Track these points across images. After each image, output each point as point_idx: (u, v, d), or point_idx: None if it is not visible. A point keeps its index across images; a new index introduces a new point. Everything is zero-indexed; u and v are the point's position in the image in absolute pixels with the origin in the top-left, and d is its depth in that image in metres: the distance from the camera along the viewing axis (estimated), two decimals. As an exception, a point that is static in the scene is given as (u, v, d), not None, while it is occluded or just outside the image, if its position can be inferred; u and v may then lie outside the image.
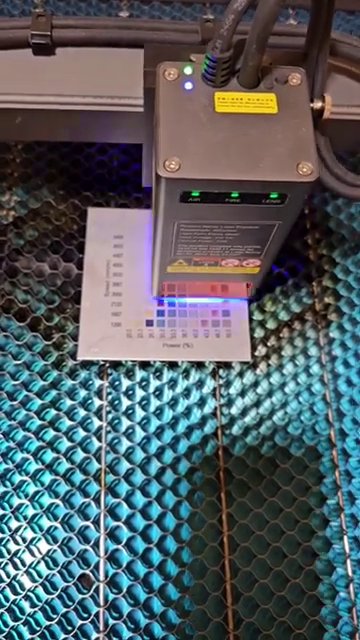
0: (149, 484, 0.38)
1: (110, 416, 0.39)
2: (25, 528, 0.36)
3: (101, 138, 0.38)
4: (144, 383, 0.40)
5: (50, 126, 0.36)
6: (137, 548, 0.36)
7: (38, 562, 0.36)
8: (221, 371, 0.41)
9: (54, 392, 0.39)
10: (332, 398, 0.41)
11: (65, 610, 0.35)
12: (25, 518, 0.36)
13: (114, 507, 0.37)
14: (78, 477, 0.37)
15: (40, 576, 0.35)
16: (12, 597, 0.35)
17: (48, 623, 0.34)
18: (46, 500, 0.37)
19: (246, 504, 0.37)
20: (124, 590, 0.35)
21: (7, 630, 0.34)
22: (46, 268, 0.43)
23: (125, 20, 0.35)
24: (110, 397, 0.40)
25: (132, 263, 0.43)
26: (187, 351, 0.40)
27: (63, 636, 0.34)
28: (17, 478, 0.37)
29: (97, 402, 0.39)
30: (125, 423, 0.39)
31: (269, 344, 0.42)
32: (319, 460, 0.39)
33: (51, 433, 0.38)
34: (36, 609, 0.35)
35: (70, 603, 0.35)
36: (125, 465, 0.38)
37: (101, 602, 0.35)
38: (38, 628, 0.34)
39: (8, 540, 0.36)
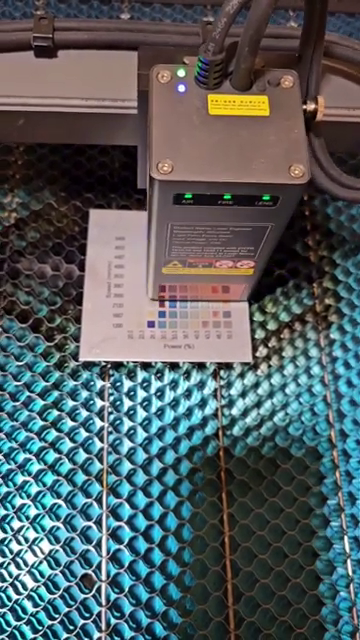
0: (151, 484, 0.38)
1: (112, 417, 0.39)
2: (27, 528, 0.36)
3: (102, 140, 0.38)
4: (145, 384, 0.40)
5: (52, 128, 0.37)
6: (139, 548, 0.36)
7: (40, 562, 0.36)
8: (222, 372, 0.41)
9: (56, 393, 0.40)
10: (333, 399, 0.41)
11: (67, 610, 0.35)
12: (27, 518, 0.37)
13: (116, 507, 0.37)
14: (80, 477, 0.38)
15: (42, 576, 0.36)
16: (15, 597, 0.35)
17: (50, 623, 0.34)
18: (48, 500, 0.37)
19: (247, 504, 0.38)
20: (126, 590, 0.35)
21: (10, 630, 0.34)
22: (48, 269, 0.43)
23: (127, 22, 0.35)
24: (112, 398, 0.40)
25: (133, 264, 0.43)
26: (188, 352, 0.41)
27: (65, 636, 0.34)
28: (19, 478, 0.37)
29: (99, 403, 0.40)
30: (127, 424, 0.39)
31: (270, 345, 0.42)
32: (320, 461, 0.39)
33: (53, 434, 0.39)
34: (38, 609, 0.35)
35: (72, 603, 0.35)
36: (127, 466, 0.38)
37: (103, 602, 0.35)
38: (40, 628, 0.34)
39: (11, 540, 0.36)
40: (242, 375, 0.41)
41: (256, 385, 0.41)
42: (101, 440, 0.39)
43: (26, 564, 0.36)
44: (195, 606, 0.35)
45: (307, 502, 0.38)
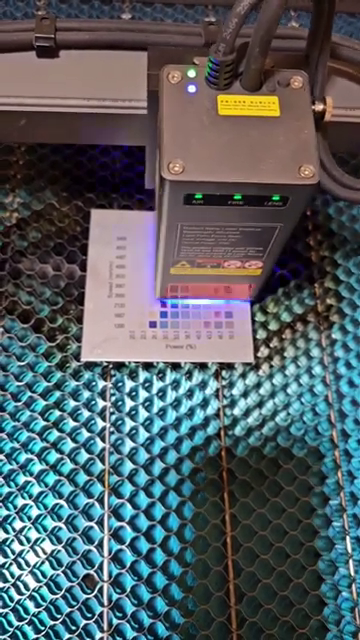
0: (152, 485, 0.38)
1: (114, 417, 0.39)
2: (29, 528, 0.36)
3: (105, 140, 0.38)
4: (147, 384, 0.40)
5: (54, 128, 0.37)
6: (141, 548, 0.36)
7: (42, 562, 0.36)
8: (224, 372, 0.41)
9: (58, 393, 0.40)
10: (334, 399, 0.41)
11: (69, 610, 0.35)
12: (29, 518, 0.37)
13: (118, 507, 0.37)
14: (82, 478, 0.38)
15: (44, 576, 0.36)
16: (17, 597, 0.35)
17: (52, 623, 0.34)
18: (50, 501, 0.37)
19: (249, 504, 0.38)
20: (128, 590, 0.35)
21: (12, 630, 0.34)
22: (49, 270, 0.43)
23: (129, 22, 0.35)
24: (114, 398, 0.40)
25: (135, 265, 0.43)
26: (190, 352, 0.41)
27: (67, 636, 0.34)
28: (21, 479, 0.37)
29: (101, 403, 0.40)
30: (129, 424, 0.39)
31: (271, 345, 0.42)
32: (321, 461, 0.39)
33: (55, 434, 0.39)
34: (40, 609, 0.35)
35: (74, 603, 0.35)
36: (129, 466, 0.38)
37: (105, 602, 0.35)
38: (42, 628, 0.34)
39: (13, 540, 0.36)
40: (244, 375, 0.41)
41: (258, 385, 0.41)
42: (103, 440, 0.39)
43: (28, 564, 0.36)
44: (197, 606, 0.35)
45: (309, 502, 0.38)
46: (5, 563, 0.36)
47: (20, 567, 0.36)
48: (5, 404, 0.39)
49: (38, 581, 0.35)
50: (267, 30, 0.25)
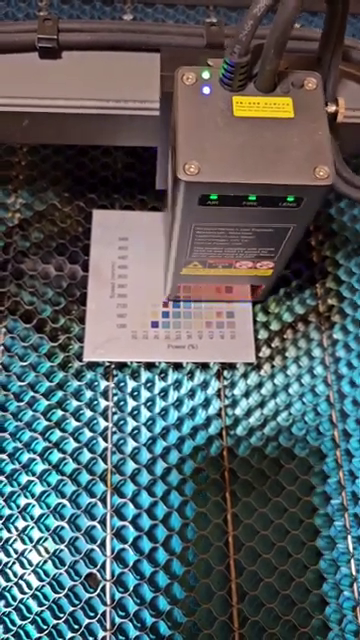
0: (155, 484, 0.38)
1: (116, 417, 0.39)
2: (32, 528, 0.37)
3: (107, 141, 0.38)
4: (149, 384, 0.40)
5: (56, 129, 0.37)
6: (143, 548, 0.36)
7: (45, 561, 0.36)
8: (225, 372, 0.41)
9: (60, 393, 0.40)
10: (336, 399, 0.41)
11: (72, 609, 0.35)
12: (32, 518, 0.37)
13: (120, 507, 0.37)
14: (84, 477, 0.38)
15: (47, 575, 0.36)
16: (19, 596, 0.35)
17: (55, 622, 0.35)
18: (53, 500, 0.37)
19: (251, 504, 0.38)
20: (130, 589, 0.35)
21: (15, 629, 0.34)
22: (52, 270, 0.43)
23: (130, 24, 0.35)
24: (116, 398, 0.40)
25: (137, 265, 0.43)
26: (192, 352, 0.41)
27: (70, 635, 0.34)
28: (24, 478, 0.37)
29: (103, 403, 0.40)
30: (131, 424, 0.39)
31: (273, 345, 0.42)
32: (323, 460, 0.39)
33: (57, 434, 0.39)
34: (43, 608, 0.35)
35: (77, 602, 0.35)
36: (131, 465, 0.38)
37: (108, 601, 0.35)
38: (45, 627, 0.35)
39: (15, 539, 0.36)
40: (245, 375, 0.41)
41: (259, 385, 0.41)
42: (105, 440, 0.39)
43: (31, 563, 0.36)
44: (199, 605, 0.35)
45: (311, 502, 0.38)
46: (8, 562, 0.36)
47: (23, 566, 0.36)
48: (7, 404, 0.39)
49: (41, 580, 0.36)
50: (283, 32, 0.25)
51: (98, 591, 0.35)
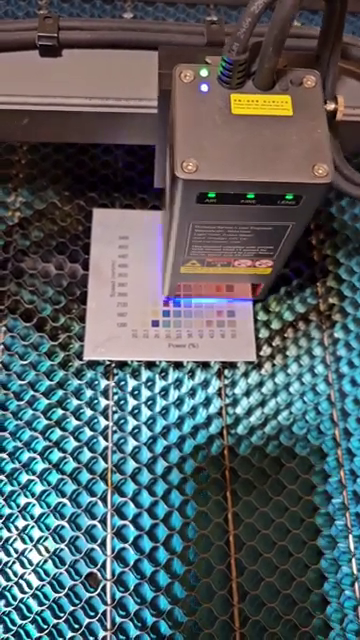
0: (155, 483, 0.38)
1: (116, 416, 0.39)
2: (32, 527, 0.36)
3: (107, 139, 0.38)
4: (150, 383, 0.40)
5: (57, 127, 0.37)
6: (144, 547, 0.36)
7: (45, 561, 0.36)
8: (226, 371, 0.41)
9: (60, 392, 0.40)
10: (337, 398, 0.41)
11: (72, 608, 0.35)
12: (32, 517, 0.37)
13: (120, 506, 0.37)
14: (85, 476, 0.38)
15: (47, 575, 0.36)
16: (20, 596, 0.35)
17: (56, 621, 0.35)
18: (53, 499, 0.37)
19: (252, 503, 0.38)
20: (131, 588, 0.35)
21: (15, 629, 0.34)
22: (52, 269, 0.43)
23: (131, 22, 0.35)
24: (116, 397, 0.40)
25: (137, 263, 0.43)
26: (192, 351, 0.41)
27: (70, 634, 0.34)
28: (24, 477, 0.37)
29: (103, 402, 0.40)
30: (131, 423, 0.39)
31: (274, 344, 0.42)
32: (324, 459, 0.39)
33: (58, 433, 0.39)
34: (44, 607, 0.35)
35: (77, 601, 0.35)
36: (131, 464, 0.38)
37: (108, 600, 0.35)
38: (46, 626, 0.34)
39: (15, 539, 0.36)
40: (246, 374, 0.41)
41: (260, 384, 0.41)
42: (106, 439, 0.39)
43: (31, 563, 0.36)
44: (200, 605, 0.35)
45: (312, 501, 0.38)
46: (8, 562, 0.36)
47: (23, 565, 0.36)
48: (8, 403, 0.39)
49: (41, 579, 0.35)
50: (281, 29, 0.25)
51: (98, 590, 0.35)
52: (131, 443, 0.39)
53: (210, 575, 0.36)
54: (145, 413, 0.40)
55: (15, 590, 0.35)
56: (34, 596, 0.35)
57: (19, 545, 0.36)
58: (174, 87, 0.28)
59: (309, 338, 0.43)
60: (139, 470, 0.38)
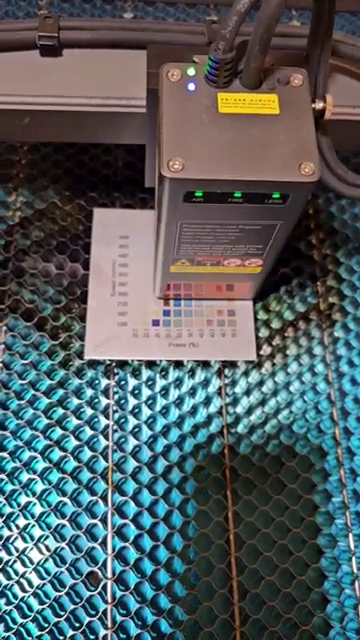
0: (156, 482, 0.38)
1: (117, 415, 0.39)
2: (33, 526, 0.37)
3: (108, 139, 0.38)
4: (150, 382, 0.40)
5: (57, 127, 0.37)
6: (144, 546, 0.36)
7: (46, 560, 0.36)
8: (226, 370, 0.41)
9: (61, 391, 0.40)
10: (337, 397, 0.41)
11: (73, 607, 0.35)
12: (33, 516, 0.37)
13: (121, 505, 0.37)
14: (85, 475, 0.38)
15: (48, 573, 0.36)
16: (20, 594, 0.35)
17: (56, 620, 0.35)
18: (54, 498, 0.37)
19: (252, 502, 0.38)
20: (131, 587, 0.35)
21: (16, 627, 0.34)
22: (52, 268, 0.43)
23: (131, 22, 0.35)
24: (117, 396, 0.40)
25: (138, 263, 0.43)
26: (193, 350, 0.41)
27: (71, 633, 0.34)
28: (25, 476, 0.37)
29: (104, 401, 0.40)
30: (132, 422, 0.39)
31: (274, 343, 0.42)
32: (324, 458, 0.39)
33: (58, 432, 0.39)
34: (44, 606, 0.35)
35: (78, 600, 0.35)
36: (132, 463, 0.38)
37: (109, 599, 0.35)
38: (46, 625, 0.35)
39: (16, 538, 0.36)
40: (246, 373, 0.41)
41: (260, 383, 0.41)
42: (106, 438, 0.39)
43: (32, 562, 0.36)
44: (200, 603, 0.35)
45: (312, 499, 0.38)
46: (9, 560, 0.36)
47: (24, 564, 0.36)
48: (9, 402, 0.39)
49: (42, 578, 0.36)
50: (266, 28, 0.25)
51: (99, 589, 0.35)
52: (131, 442, 0.39)
53: (210, 574, 0.36)
54: (145, 412, 0.40)
55: (16, 589, 0.35)
56: (35, 595, 0.35)
57: (20, 544, 0.36)
58: (161, 86, 0.28)
59: (309, 337, 0.43)
60: (139, 469, 0.38)
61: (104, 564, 0.36)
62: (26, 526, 0.37)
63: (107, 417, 0.39)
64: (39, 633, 0.34)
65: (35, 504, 0.37)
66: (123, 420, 0.39)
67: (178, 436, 0.39)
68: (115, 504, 0.37)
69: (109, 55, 0.35)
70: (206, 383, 0.41)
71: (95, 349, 0.40)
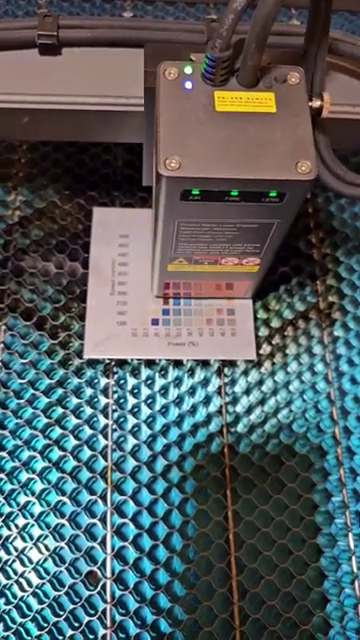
0: (155, 482, 0.38)
1: (116, 414, 0.39)
2: (32, 525, 0.36)
3: (107, 138, 0.38)
4: (150, 381, 0.40)
5: (56, 126, 0.37)
6: (143, 545, 0.36)
7: (45, 559, 0.36)
8: (226, 369, 0.41)
9: (60, 390, 0.40)
10: (336, 396, 0.41)
11: (72, 607, 0.35)
12: (32, 515, 0.37)
13: (120, 504, 0.37)
14: (85, 475, 0.38)
15: (47, 573, 0.36)
16: (20, 594, 0.35)
17: (55, 619, 0.35)
18: (53, 498, 0.37)
19: (252, 501, 0.38)
20: (131, 587, 0.35)
21: (15, 627, 0.34)
22: (52, 267, 0.43)
23: (130, 20, 0.35)
24: (116, 395, 0.40)
25: (137, 262, 0.43)
26: (192, 349, 0.41)
27: (70, 632, 0.34)
28: (24, 476, 0.37)
29: (103, 400, 0.40)
30: (131, 421, 0.39)
31: (274, 342, 0.42)
32: (324, 458, 0.39)
33: (57, 431, 0.39)
34: (43, 606, 0.35)
35: (77, 600, 0.35)
36: (131, 463, 0.38)
37: (108, 599, 0.35)
38: (46, 625, 0.34)
39: (15, 537, 0.36)
40: (246, 372, 0.41)
41: (260, 382, 0.41)
42: (105, 437, 0.39)
43: (31, 561, 0.36)
44: (200, 603, 0.35)
45: (312, 499, 0.38)
46: (8, 560, 0.36)
47: (23, 564, 0.36)
48: (8, 401, 0.39)
49: (41, 578, 0.35)
50: (263, 26, 0.25)
51: (98, 589, 0.35)
52: (131, 441, 0.39)
53: (210, 573, 0.36)
54: (145, 411, 0.40)
55: (15, 588, 0.35)
56: (34, 594, 0.35)
57: (19, 543, 0.36)
58: (158, 84, 0.28)
59: (309, 336, 0.43)
60: (139, 468, 0.38)
61: (103, 564, 0.36)
62: (25, 525, 0.36)
63: (106, 416, 0.39)
64: (38, 633, 0.34)
65: (34, 503, 0.37)
66: (122, 419, 0.39)
67: (177, 435, 0.39)
68: (114, 503, 0.37)
69: (108, 54, 0.35)
70: (206, 382, 0.41)
71: (94, 348, 0.40)
